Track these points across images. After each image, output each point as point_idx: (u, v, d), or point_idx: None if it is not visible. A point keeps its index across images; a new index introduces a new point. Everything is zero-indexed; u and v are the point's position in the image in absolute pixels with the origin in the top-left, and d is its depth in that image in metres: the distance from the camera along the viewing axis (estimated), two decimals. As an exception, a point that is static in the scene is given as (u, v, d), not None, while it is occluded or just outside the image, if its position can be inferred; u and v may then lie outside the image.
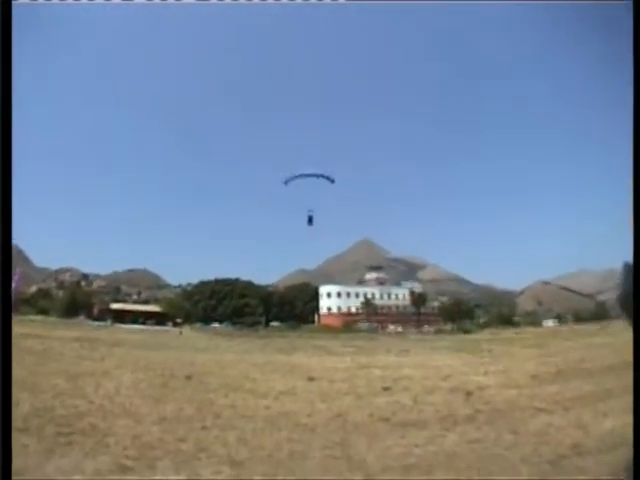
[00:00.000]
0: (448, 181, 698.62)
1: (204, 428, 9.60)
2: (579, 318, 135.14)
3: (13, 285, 42.55)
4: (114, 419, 10.00)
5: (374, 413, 11.59)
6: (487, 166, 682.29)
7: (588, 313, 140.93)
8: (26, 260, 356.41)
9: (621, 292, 2.55)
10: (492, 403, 12.84)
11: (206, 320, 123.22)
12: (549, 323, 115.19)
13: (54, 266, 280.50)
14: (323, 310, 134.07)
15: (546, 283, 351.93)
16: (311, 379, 18.03)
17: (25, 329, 36.62)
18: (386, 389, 15.68)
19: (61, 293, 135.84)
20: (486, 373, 19.81)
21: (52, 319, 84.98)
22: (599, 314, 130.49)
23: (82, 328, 60.67)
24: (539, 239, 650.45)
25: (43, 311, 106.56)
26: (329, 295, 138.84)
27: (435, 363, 25.22)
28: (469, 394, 14.34)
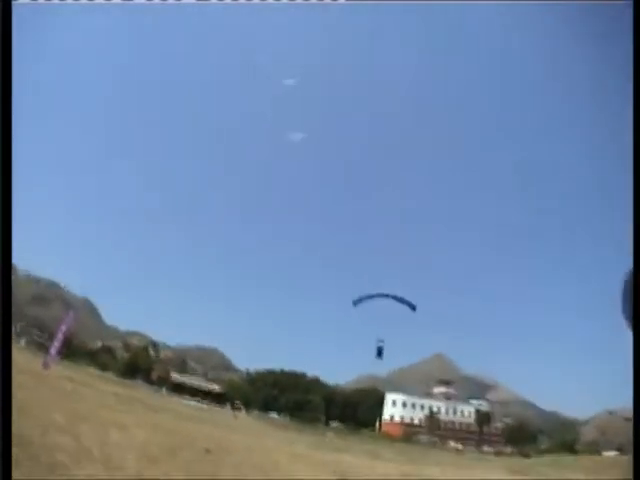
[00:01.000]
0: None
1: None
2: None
3: (63, 327, 43.53)
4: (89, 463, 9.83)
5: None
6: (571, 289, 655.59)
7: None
8: (98, 317, 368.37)
9: (624, 299, 2.56)
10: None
11: (266, 408, 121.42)
12: (610, 453, 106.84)
13: (124, 327, 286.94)
14: (386, 418, 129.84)
15: (611, 413, 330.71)
16: (337, 476, 17.13)
17: (75, 374, 37.04)
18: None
19: (126, 354, 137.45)
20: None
21: (109, 375, 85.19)
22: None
23: (129, 387, 60.88)
24: (609, 363, 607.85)
25: (103, 367, 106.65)
26: (394, 403, 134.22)
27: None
28: None
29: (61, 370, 34.83)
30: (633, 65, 2.84)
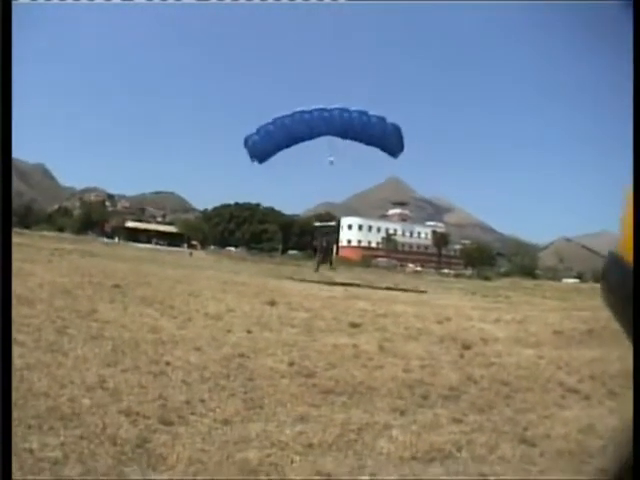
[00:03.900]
0: (486, 129, 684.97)
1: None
2: (598, 279, 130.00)
3: None
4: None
5: (296, 361, 7.68)
6: (525, 118, 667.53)
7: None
8: (52, 179, 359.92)
9: (604, 284, 2.07)
10: (496, 368, 8.31)
11: (223, 244, 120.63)
12: (569, 280, 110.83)
13: (80, 186, 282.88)
14: (343, 242, 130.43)
15: (568, 240, 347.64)
16: (270, 304, 14.42)
17: (19, 239, 33.53)
18: (355, 326, 11.50)
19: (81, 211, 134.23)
20: (497, 321, 15.20)
21: (64, 235, 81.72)
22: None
23: (78, 242, 57.81)
24: (566, 195, 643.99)
25: (60, 228, 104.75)
26: (350, 227, 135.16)
27: (437, 302, 21.12)
28: (466, 348, 9.80)
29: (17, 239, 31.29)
30: (633, 65, 1.99)
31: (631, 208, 1.80)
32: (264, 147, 26.67)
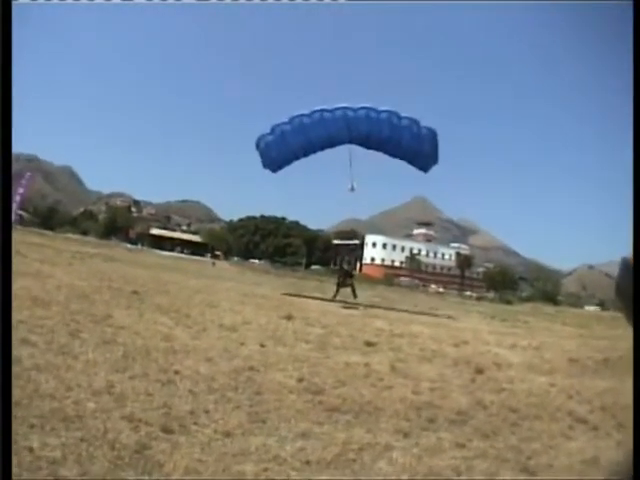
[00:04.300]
0: (517, 152, 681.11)
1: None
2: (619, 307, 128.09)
3: (20, 190, 40.17)
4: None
5: (305, 377, 7.64)
6: (556, 142, 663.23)
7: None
8: (79, 182, 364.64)
9: (619, 287, 2.04)
10: (506, 394, 8.18)
11: (247, 256, 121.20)
12: (591, 308, 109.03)
13: (107, 190, 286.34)
14: (366, 260, 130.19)
15: (591, 267, 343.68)
16: (287, 318, 14.46)
17: (41, 240, 34.05)
18: (370, 345, 11.42)
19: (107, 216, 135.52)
20: (513, 346, 14.97)
21: (88, 239, 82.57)
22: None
23: (101, 246, 58.29)
24: (591, 222, 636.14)
25: (84, 232, 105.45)
26: (374, 245, 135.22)
27: (456, 324, 20.92)
28: (478, 372, 9.64)
29: (27, 237, 31.88)
30: (633, 65, 2.33)
31: None
32: (279, 151, 23.87)
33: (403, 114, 22.45)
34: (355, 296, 25.19)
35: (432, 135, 23.08)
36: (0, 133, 3.27)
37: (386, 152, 23.80)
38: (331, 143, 23.62)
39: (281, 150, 23.77)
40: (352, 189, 23.97)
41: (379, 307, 26.18)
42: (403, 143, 22.66)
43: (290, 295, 25.58)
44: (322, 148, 23.89)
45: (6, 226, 3.29)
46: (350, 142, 23.26)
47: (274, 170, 25.17)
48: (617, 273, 2.06)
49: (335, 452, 4.75)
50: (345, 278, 26.78)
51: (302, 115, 22.85)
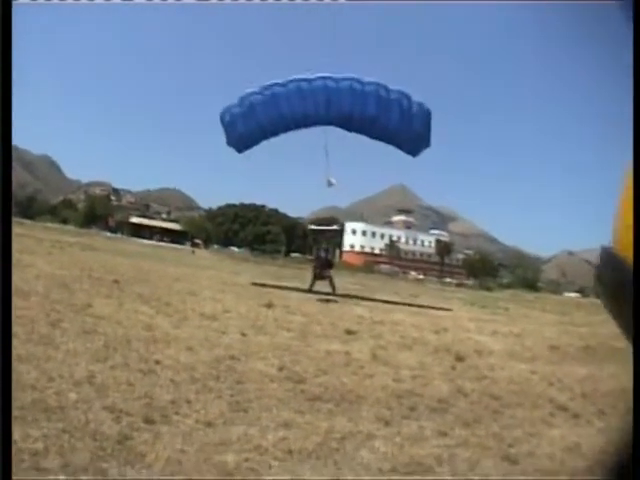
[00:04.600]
0: (495, 139, 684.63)
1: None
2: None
3: None
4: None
5: (286, 366, 7.68)
6: (532, 128, 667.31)
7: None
8: (58, 171, 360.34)
9: (598, 280, 2.10)
10: (488, 382, 8.30)
11: (226, 244, 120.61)
12: (571, 294, 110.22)
13: (86, 179, 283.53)
14: (346, 247, 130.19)
15: (571, 254, 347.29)
16: (268, 306, 14.44)
17: (20, 230, 33.54)
18: (350, 333, 11.53)
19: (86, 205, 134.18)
20: (494, 333, 15.15)
21: (67, 228, 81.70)
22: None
23: (81, 235, 57.94)
24: (570, 209, 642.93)
25: (64, 221, 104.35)
26: (354, 232, 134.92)
27: (437, 312, 21.05)
28: (459, 360, 9.81)
29: (19, 230, 31.44)
30: (633, 65, 1.84)
31: (626, 201, 1.80)
32: (247, 126, 20.09)
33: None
34: (334, 290, 22.58)
35: (425, 113, 20.04)
36: (0, 131, 3.20)
37: (370, 134, 20.60)
38: (306, 122, 20.19)
39: (249, 125, 20.08)
40: (330, 184, 21.44)
41: (358, 297, 25.65)
42: (391, 124, 19.42)
43: (264, 286, 23.92)
44: (297, 126, 20.37)
45: (6, 225, 3.22)
46: (329, 123, 20.12)
47: (240, 150, 21.56)
48: (597, 262, 2.09)
49: (317, 441, 4.78)
50: (322, 269, 23.82)
51: (275, 84, 19.36)
